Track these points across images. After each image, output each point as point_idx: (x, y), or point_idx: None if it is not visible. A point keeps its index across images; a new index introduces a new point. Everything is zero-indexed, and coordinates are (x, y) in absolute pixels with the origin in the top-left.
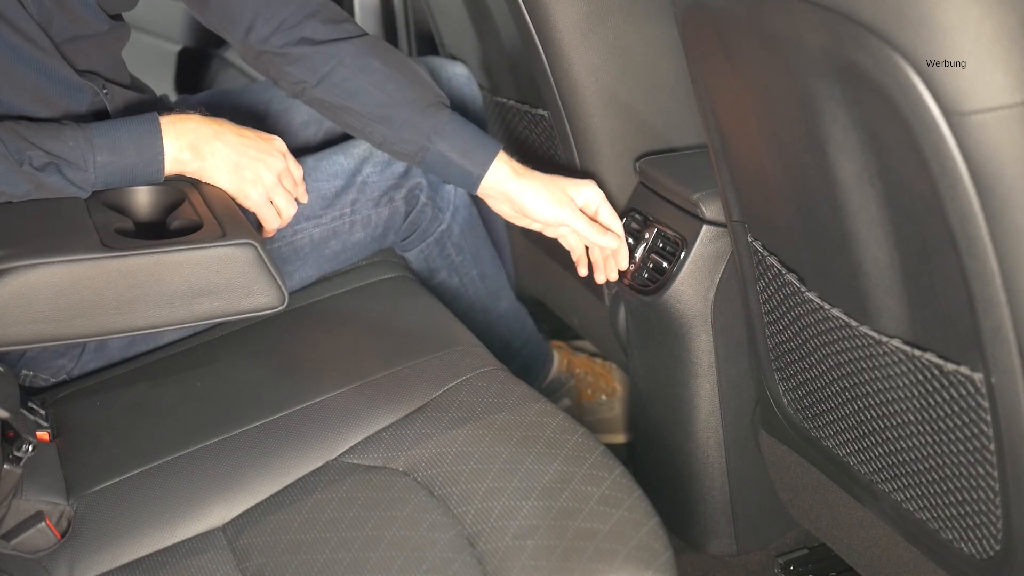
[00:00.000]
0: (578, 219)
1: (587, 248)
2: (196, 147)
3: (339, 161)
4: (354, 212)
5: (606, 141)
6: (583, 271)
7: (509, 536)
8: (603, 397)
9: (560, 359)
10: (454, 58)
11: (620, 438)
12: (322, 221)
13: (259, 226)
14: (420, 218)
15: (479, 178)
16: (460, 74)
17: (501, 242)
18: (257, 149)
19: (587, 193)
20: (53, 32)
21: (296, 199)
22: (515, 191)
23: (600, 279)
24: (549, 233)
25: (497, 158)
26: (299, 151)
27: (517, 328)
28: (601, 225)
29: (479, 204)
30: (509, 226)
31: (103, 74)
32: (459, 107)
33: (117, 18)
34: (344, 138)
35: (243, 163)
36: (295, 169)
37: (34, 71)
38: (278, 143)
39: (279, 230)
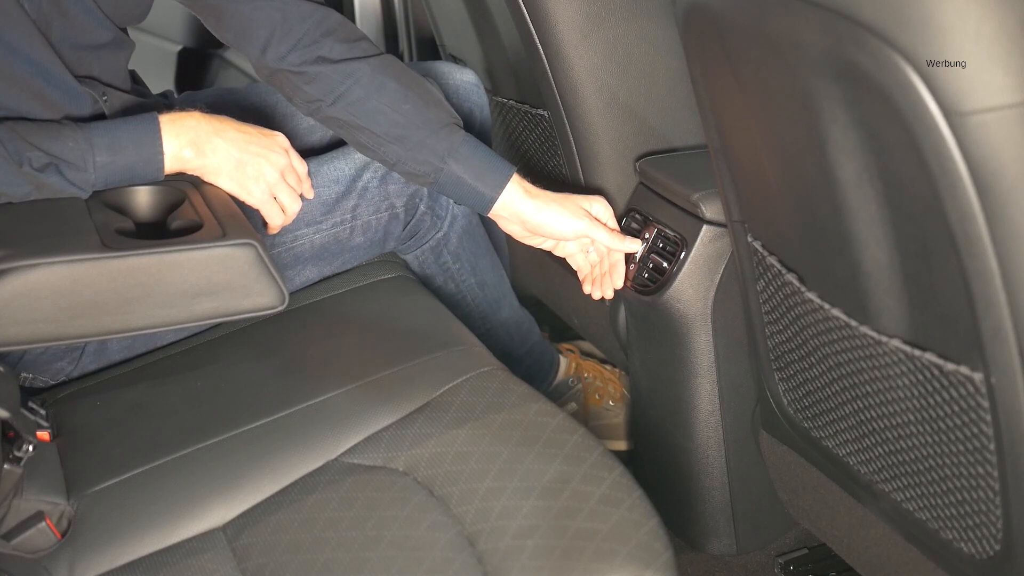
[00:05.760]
0: (597, 229)
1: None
2: (197, 144)
3: (339, 167)
4: (355, 218)
5: (606, 141)
6: (588, 288)
7: (509, 536)
8: (610, 403)
9: (568, 363)
10: (455, 59)
11: (622, 445)
12: (322, 227)
13: (264, 223)
14: (419, 225)
15: (492, 200)
16: (468, 81)
17: (500, 245)
18: (259, 145)
19: (598, 207)
20: (52, 36)
21: (302, 195)
22: (528, 211)
23: (596, 296)
24: (558, 252)
25: (512, 180)
26: (304, 155)
27: (519, 337)
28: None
29: None
30: None
31: (103, 80)
32: (466, 114)
33: (123, 30)
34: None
35: (245, 159)
36: (299, 165)
37: (33, 74)
38: (280, 139)
39: (281, 234)
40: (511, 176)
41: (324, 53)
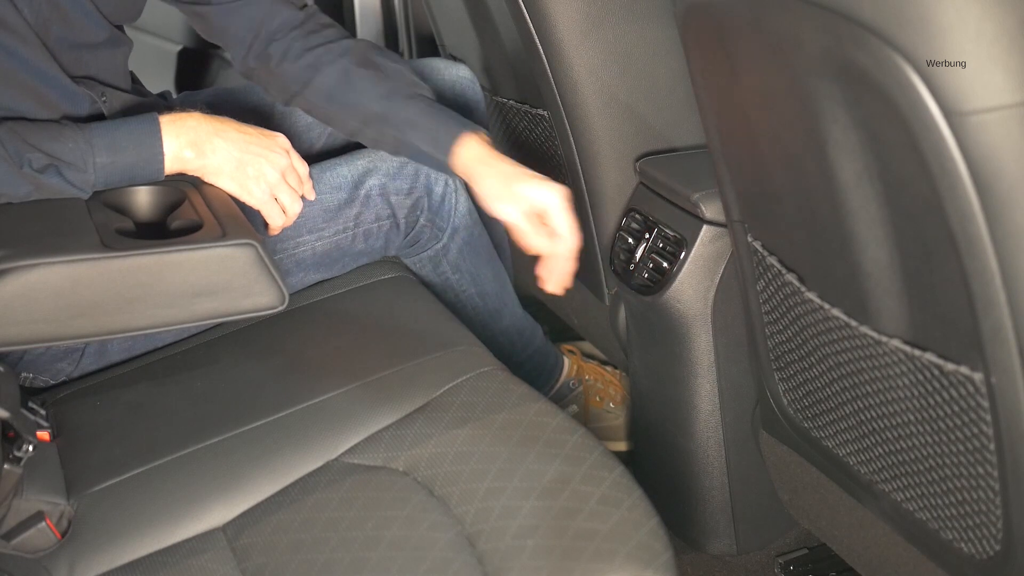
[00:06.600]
0: (519, 218)
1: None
2: (197, 145)
3: (342, 173)
4: (357, 225)
5: (606, 141)
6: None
7: (509, 536)
8: (611, 405)
9: (570, 365)
10: (454, 58)
11: (623, 447)
12: (324, 234)
13: (265, 224)
14: (419, 235)
15: (444, 163)
16: (463, 76)
17: (501, 243)
18: (260, 146)
19: (543, 195)
20: (50, 38)
21: (303, 196)
22: (476, 178)
23: (548, 289)
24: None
25: (466, 143)
26: (303, 154)
27: (520, 343)
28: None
29: (479, 210)
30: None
31: (101, 80)
32: (462, 109)
33: (120, 28)
34: (348, 144)
35: (245, 160)
36: (300, 166)
37: (31, 75)
38: (281, 140)
39: (283, 239)
40: (458, 137)
41: (294, 45)
